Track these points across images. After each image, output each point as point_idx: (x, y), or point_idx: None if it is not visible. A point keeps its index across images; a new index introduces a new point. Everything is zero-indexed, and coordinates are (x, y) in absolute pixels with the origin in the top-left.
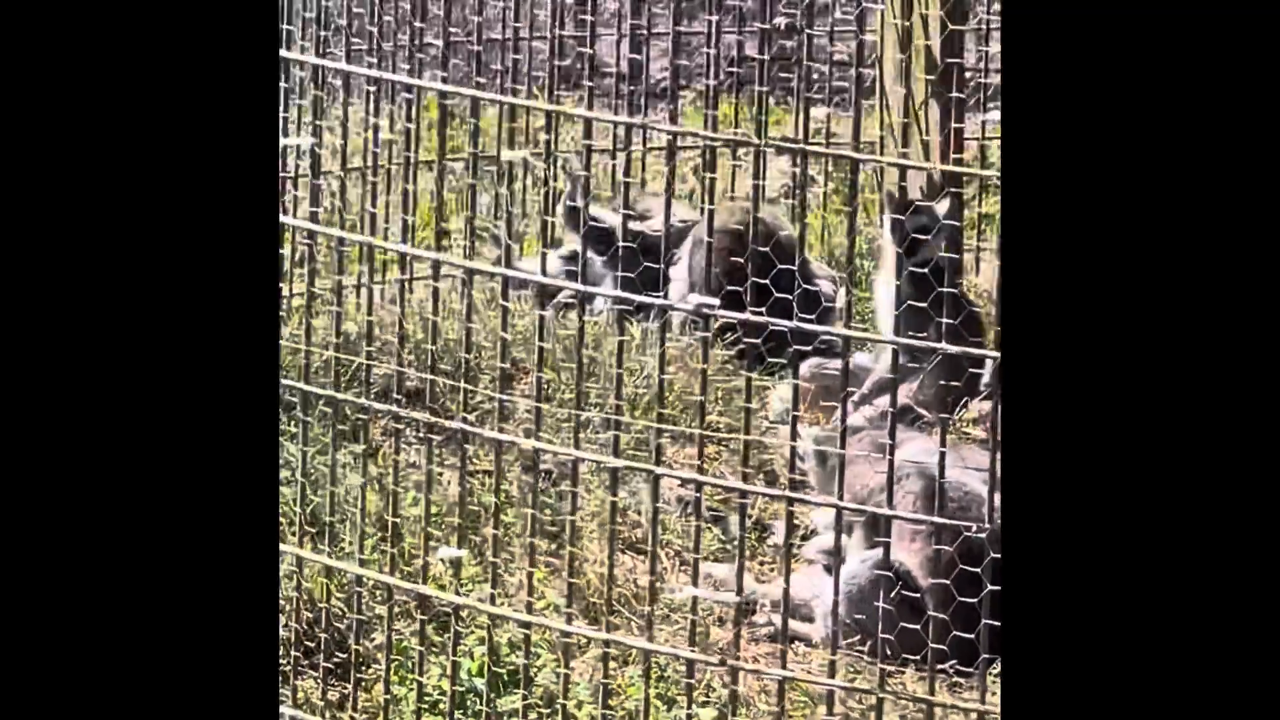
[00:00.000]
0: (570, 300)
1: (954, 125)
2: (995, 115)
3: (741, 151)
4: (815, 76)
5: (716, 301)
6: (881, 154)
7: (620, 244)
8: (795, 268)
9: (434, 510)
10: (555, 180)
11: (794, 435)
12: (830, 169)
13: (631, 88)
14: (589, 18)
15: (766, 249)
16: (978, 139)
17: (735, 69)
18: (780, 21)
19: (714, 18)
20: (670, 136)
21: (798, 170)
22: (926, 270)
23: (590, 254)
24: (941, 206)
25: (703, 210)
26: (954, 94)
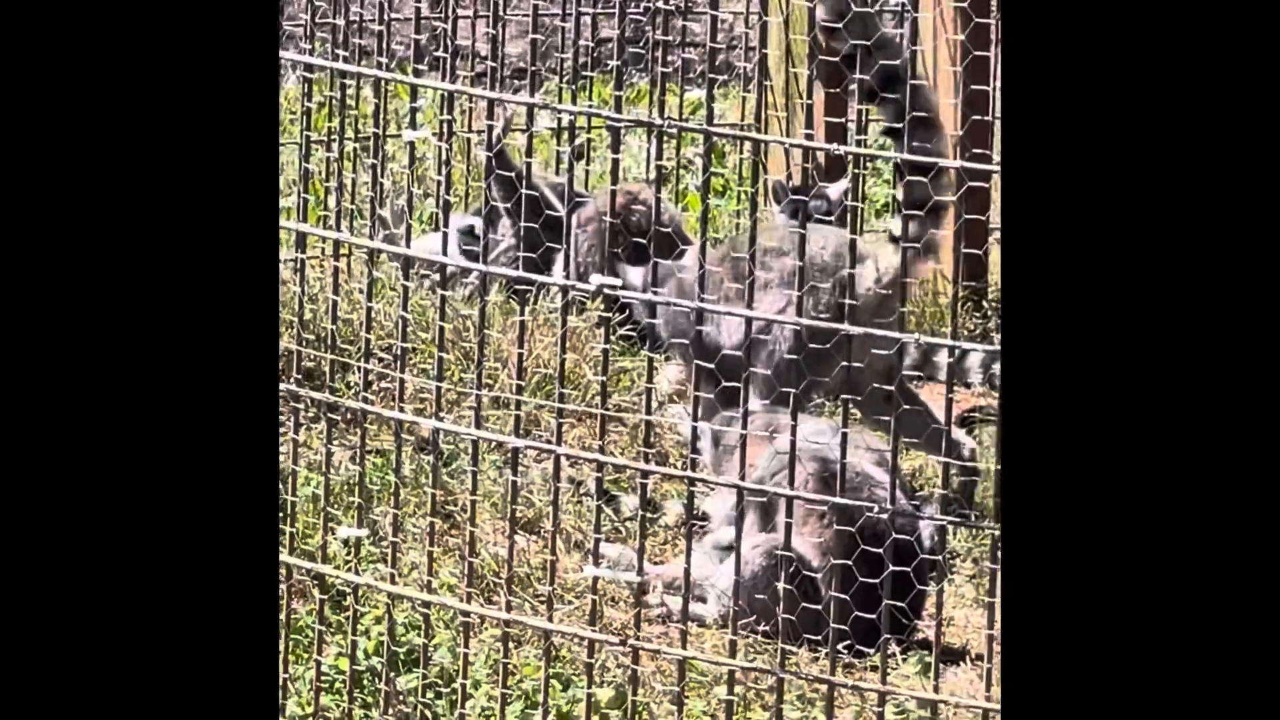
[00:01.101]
0: (466, 278)
1: (857, 108)
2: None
3: (628, 133)
4: (694, 56)
5: (619, 281)
6: (766, 133)
7: (524, 198)
8: (696, 248)
9: (331, 490)
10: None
11: (695, 415)
12: (725, 150)
13: (493, 65)
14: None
15: (669, 230)
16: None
17: (625, 49)
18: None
19: None
20: (571, 117)
21: (699, 152)
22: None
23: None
24: (837, 189)
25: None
26: (856, 76)
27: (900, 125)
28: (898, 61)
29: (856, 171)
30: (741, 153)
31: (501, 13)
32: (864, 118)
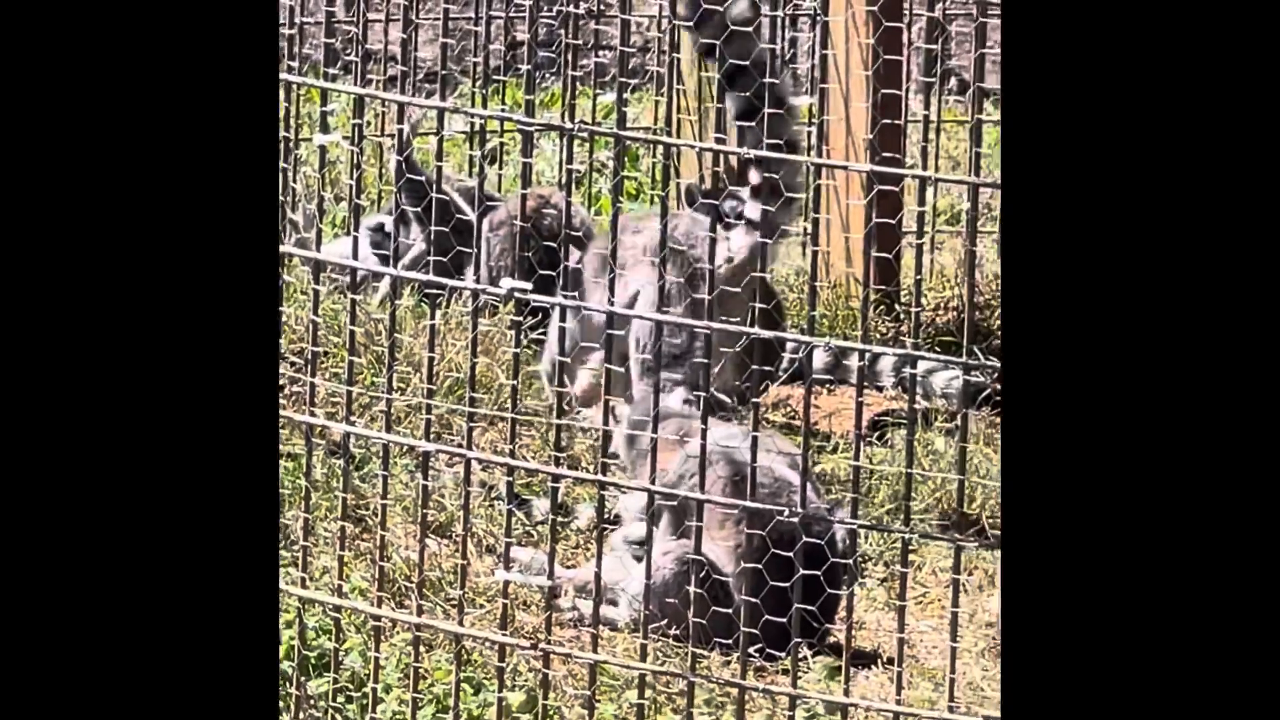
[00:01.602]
0: (377, 283)
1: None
2: (794, 101)
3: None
4: (602, 60)
5: (529, 285)
6: (679, 137)
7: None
8: (608, 252)
9: None
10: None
11: (606, 419)
12: (638, 153)
13: (404, 69)
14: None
15: (580, 233)
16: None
17: (538, 52)
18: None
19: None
20: (481, 121)
21: (609, 155)
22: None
23: (404, 231)
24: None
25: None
26: (767, 79)
27: (751, 117)
28: (747, 60)
29: (770, 175)
30: (654, 156)
31: (414, 16)
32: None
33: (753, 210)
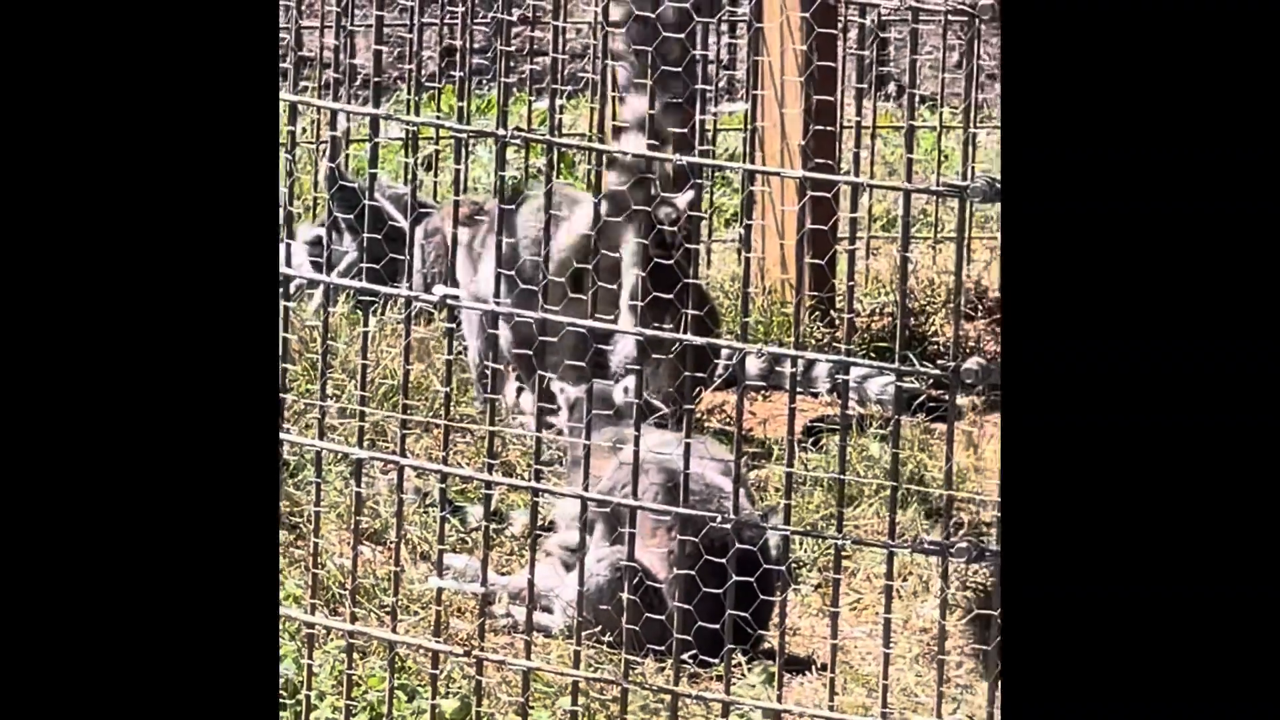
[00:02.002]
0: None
1: (698, 117)
2: (728, 107)
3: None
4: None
5: (460, 292)
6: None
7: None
8: (541, 259)
9: None
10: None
11: (539, 426)
12: (575, 160)
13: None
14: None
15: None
16: (712, 130)
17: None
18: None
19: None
20: (413, 128)
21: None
22: (671, 262)
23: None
24: (684, 198)
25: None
26: (697, 86)
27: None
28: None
29: (698, 182)
30: (590, 163)
31: (349, 23)
32: (715, 126)
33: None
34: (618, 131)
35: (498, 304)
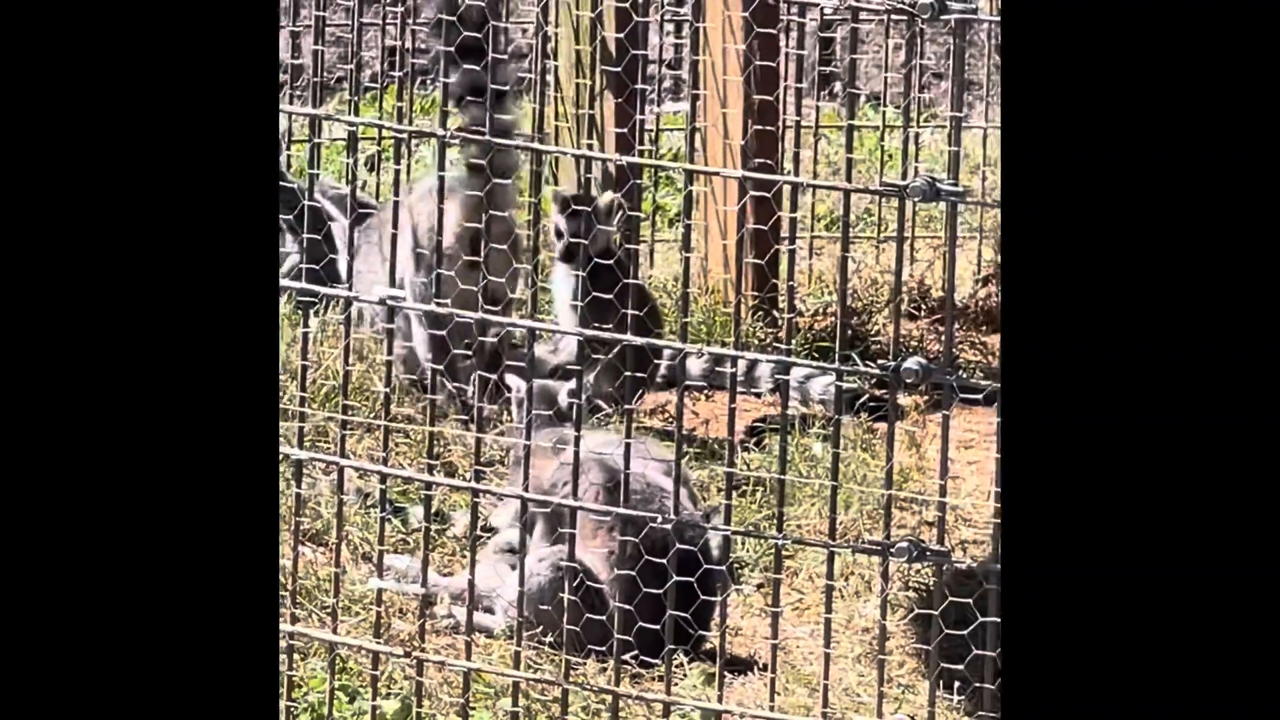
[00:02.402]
0: None
1: (638, 117)
2: (671, 106)
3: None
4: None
5: (404, 293)
6: (558, 144)
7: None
8: (481, 259)
9: None
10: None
11: (480, 428)
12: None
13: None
14: None
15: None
16: (651, 130)
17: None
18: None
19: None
20: (352, 128)
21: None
22: (610, 262)
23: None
24: (604, 198)
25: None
26: (636, 85)
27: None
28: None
29: (636, 181)
30: (533, 164)
31: (291, 23)
32: (657, 126)
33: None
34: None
35: (438, 304)
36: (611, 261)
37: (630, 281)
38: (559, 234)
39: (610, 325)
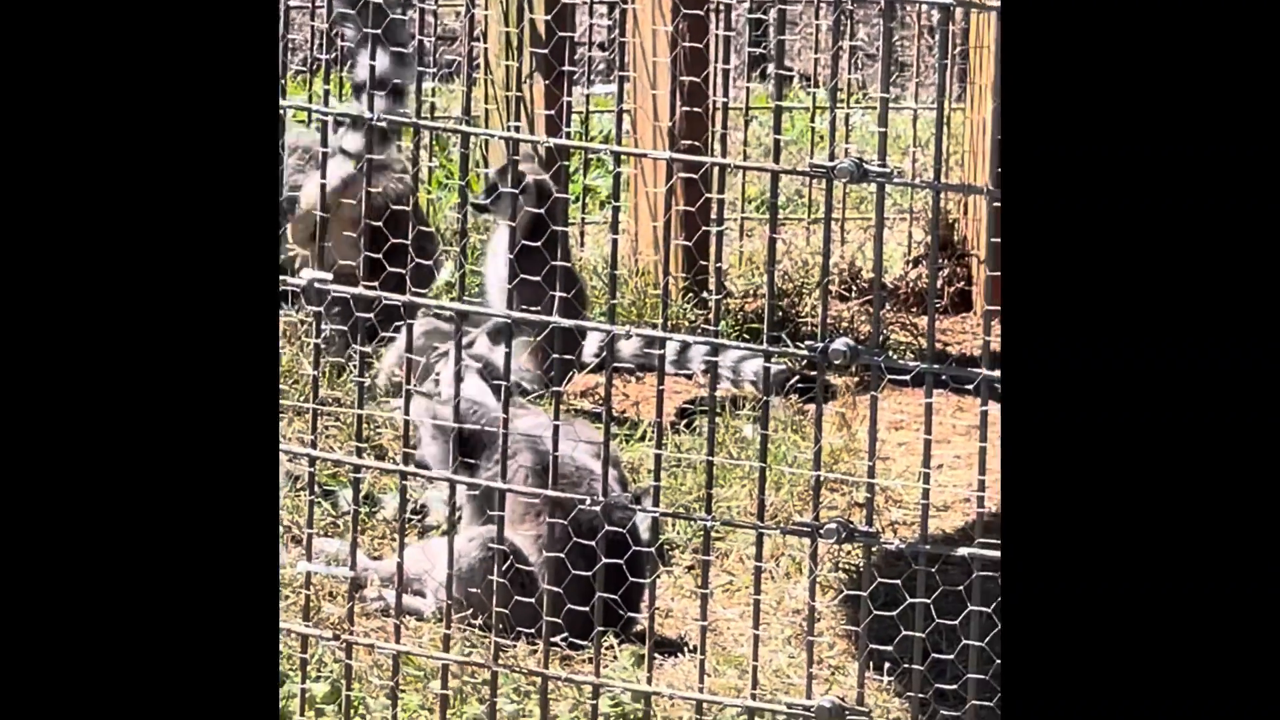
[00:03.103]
0: None
1: (566, 99)
2: (601, 88)
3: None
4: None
5: (329, 276)
6: (487, 126)
7: None
8: (409, 242)
9: None
10: None
11: (406, 409)
12: (448, 142)
13: None
14: None
15: (379, 223)
16: (581, 112)
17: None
18: None
19: None
20: (283, 111)
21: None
22: (539, 243)
23: None
24: (549, 179)
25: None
26: (563, 67)
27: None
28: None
29: (563, 163)
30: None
31: None
32: (587, 108)
33: (350, 141)
34: (357, 92)
35: (366, 288)
36: (540, 243)
37: (558, 263)
38: (491, 188)
39: (539, 307)
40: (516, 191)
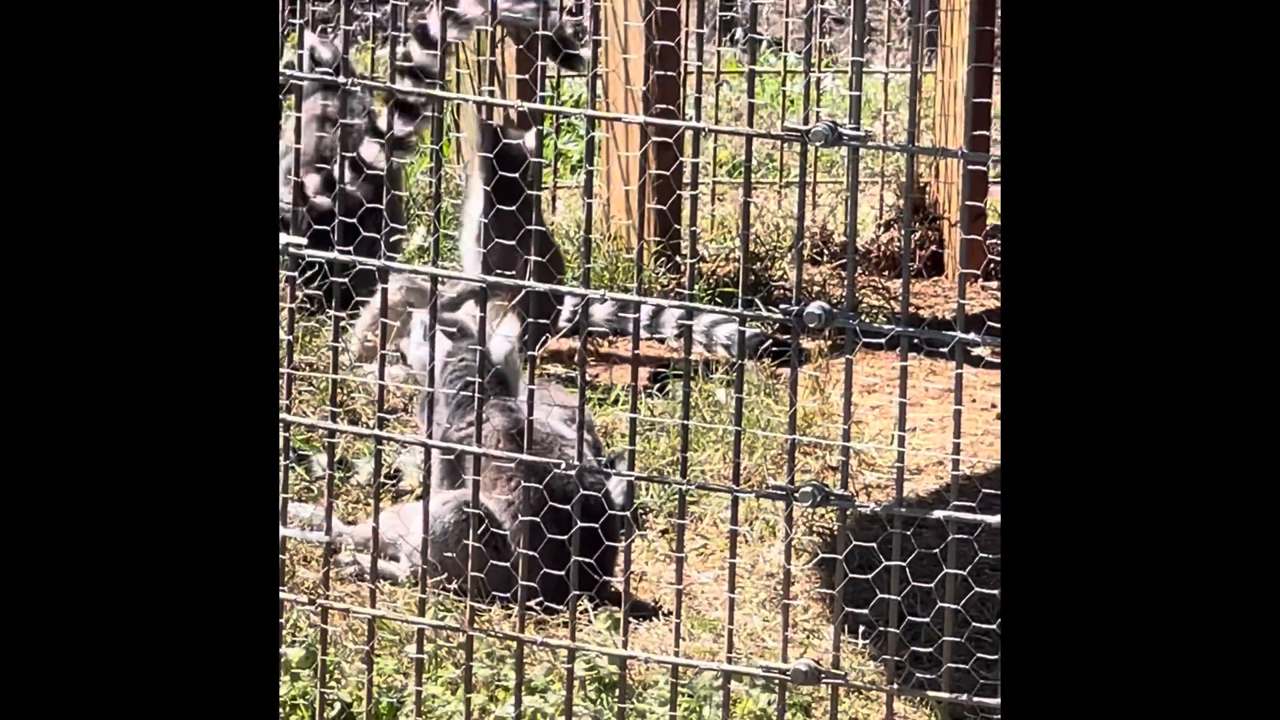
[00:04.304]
0: None
1: (539, 64)
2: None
3: None
4: (380, 16)
5: (304, 240)
6: (459, 92)
7: None
8: (383, 206)
9: None
10: None
11: (381, 375)
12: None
13: None
14: None
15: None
16: (553, 76)
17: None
18: None
19: None
20: None
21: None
22: (514, 208)
23: None
24: (528, 142)
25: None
26: (540, 33)
27: None
28: None
29: (539, 128)
30: (434, 111)
31: None
32: (559, 72)
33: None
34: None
35: (341, 252)
36: (515, 207)
37: (532, 227)
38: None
39: (514, 271)
40: (491, 156)
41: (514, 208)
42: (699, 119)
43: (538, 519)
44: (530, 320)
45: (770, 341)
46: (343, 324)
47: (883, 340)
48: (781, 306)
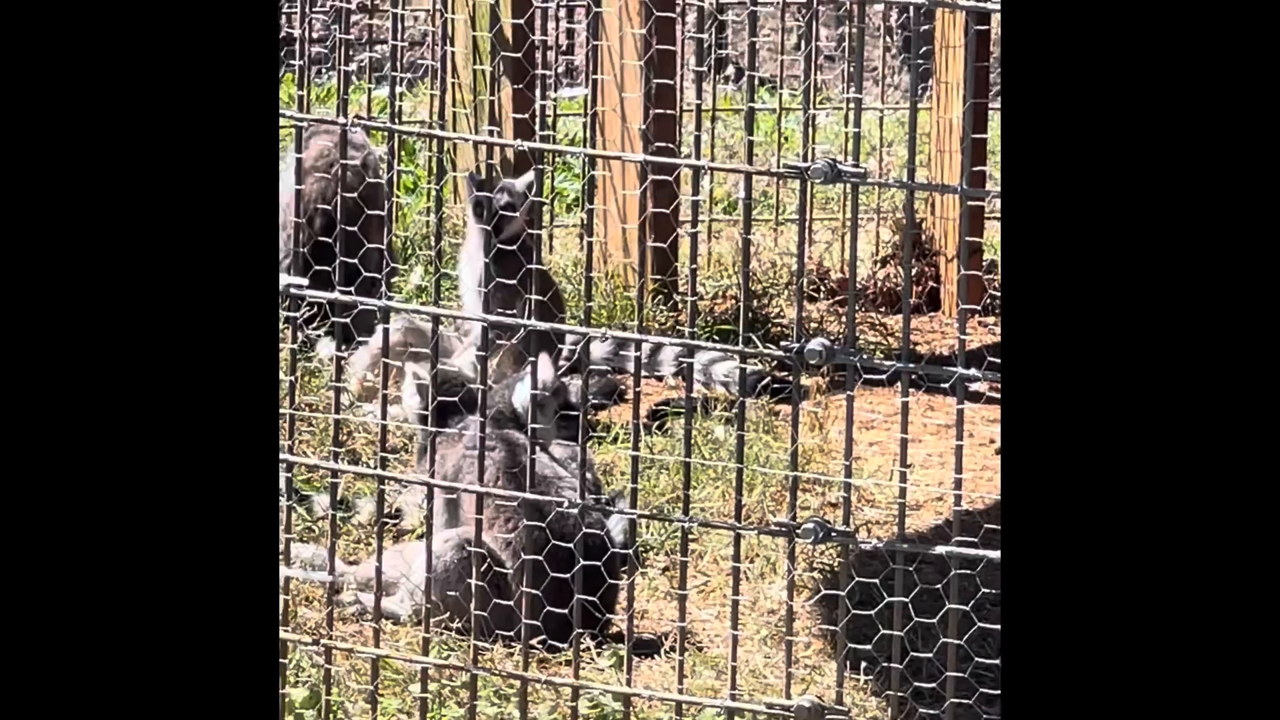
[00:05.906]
0: None
1: (539, 102)
2: (567, 91)
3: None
4: (376, 55)
5: (305, 281)
6: (455, 130)
7: None
8: (384, 246)
9: None
10: None
11: (384, 414)
12: (415, 147)
13: None
14: None
15: (354, 228)
16: (550, 116)
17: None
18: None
19: None
20: None
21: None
22: (514, 248)
23: None
24: (523, 183)
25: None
26: (534, 71)
27: None
28: None
29: (539, 167)
30: (430, 149)
31: None
32: (555, 111)
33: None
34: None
35: (342, 292)
36: (515, 247)
37: (533, 267)
38: (478, 206)
39: (515, 310)
40: (493, 196)
41: (514, 248)
42: (698, 156)
43: (540, 557)
44: (531, 359)
45: (769, 378)
46: (343, 362)
47: (881, 376)
48: (782, 344)
